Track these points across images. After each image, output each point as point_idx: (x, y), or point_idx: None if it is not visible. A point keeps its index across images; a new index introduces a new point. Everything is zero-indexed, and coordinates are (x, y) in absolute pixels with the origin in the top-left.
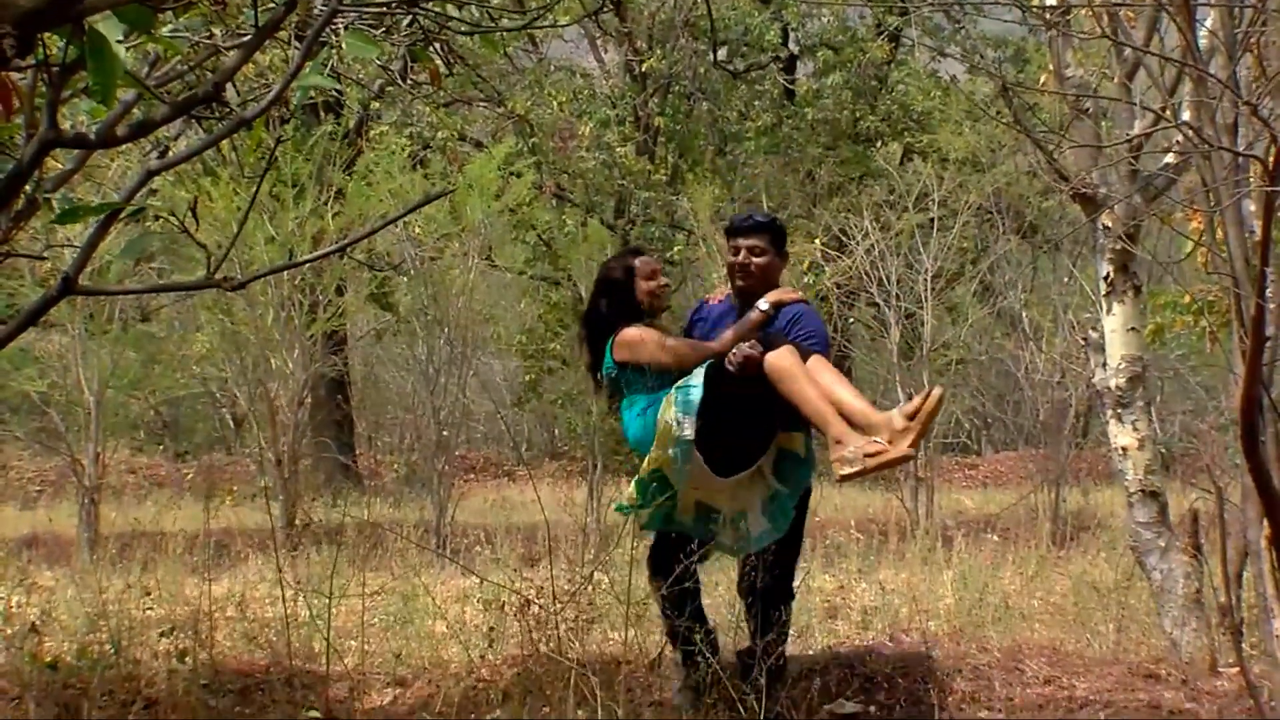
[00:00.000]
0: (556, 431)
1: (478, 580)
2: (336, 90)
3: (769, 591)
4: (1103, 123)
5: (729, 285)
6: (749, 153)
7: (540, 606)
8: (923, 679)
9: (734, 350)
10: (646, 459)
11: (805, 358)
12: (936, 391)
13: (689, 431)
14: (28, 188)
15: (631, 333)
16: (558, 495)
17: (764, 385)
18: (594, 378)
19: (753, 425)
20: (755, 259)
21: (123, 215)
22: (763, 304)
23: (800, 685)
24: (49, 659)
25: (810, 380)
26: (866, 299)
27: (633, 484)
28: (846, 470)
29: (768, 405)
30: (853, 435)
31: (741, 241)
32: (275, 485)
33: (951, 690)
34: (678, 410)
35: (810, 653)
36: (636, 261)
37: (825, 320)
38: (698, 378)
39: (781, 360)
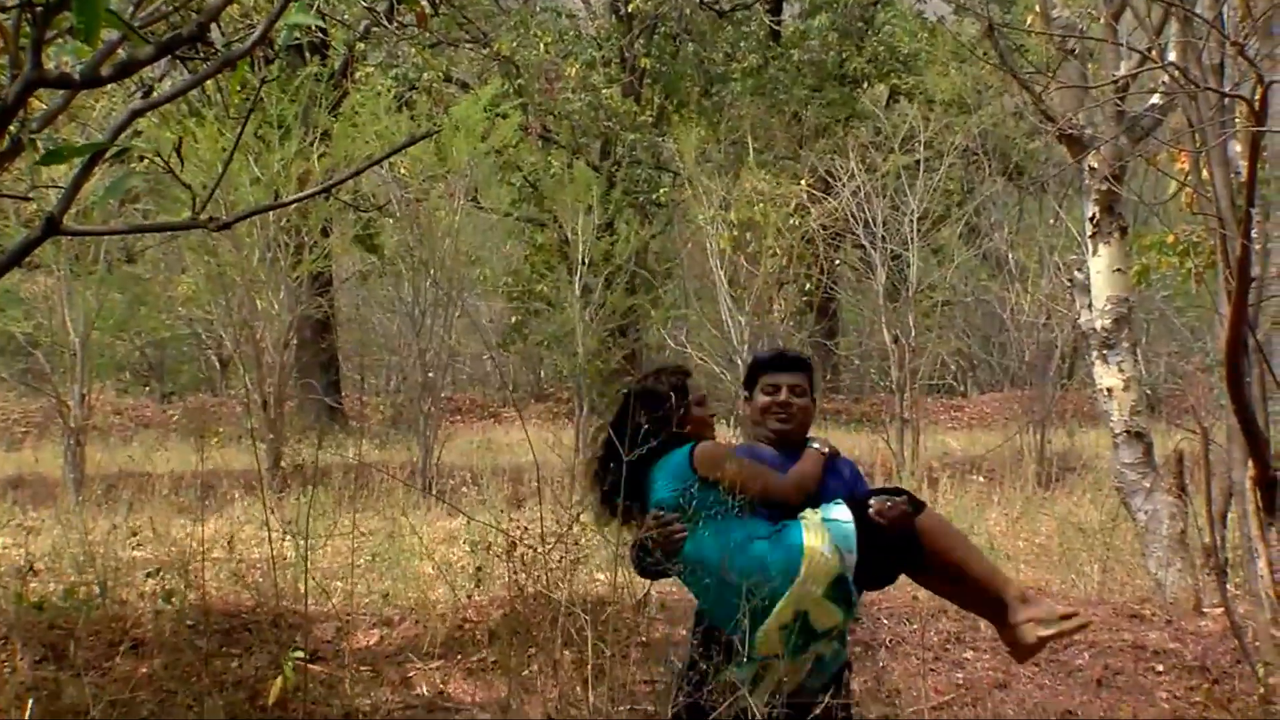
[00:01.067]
0: (542, 373)
1: (464, 521)
2: (322, 31)
3: None
4: (1089, 64)
5: (756, 428)
6: (735, 94)
7: (527, 547)
8: (907, 619)
9: (880, 504)
10: (788, 597)
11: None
12: (1078, 621)
13: (850, 570)
14: (12, 128)
15: (720, 447)
16: (544, 436)
17: (895, 541)
18: (609, 503)
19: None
20: (797, 399)
21: (107, 156)
22: (822, 446)
23: None
24: (35, 599)
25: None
26: (852, 240)
27: (764, 633)
28: (1044, 632)
29: (882, 563)
30: (1039, 596)
31: (783, 379)
32: (261, 427)
33: (938, 630)
34: (838, 544)
35: None
36: (689, 384)
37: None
38: (843, 513)
39: (938, 520)
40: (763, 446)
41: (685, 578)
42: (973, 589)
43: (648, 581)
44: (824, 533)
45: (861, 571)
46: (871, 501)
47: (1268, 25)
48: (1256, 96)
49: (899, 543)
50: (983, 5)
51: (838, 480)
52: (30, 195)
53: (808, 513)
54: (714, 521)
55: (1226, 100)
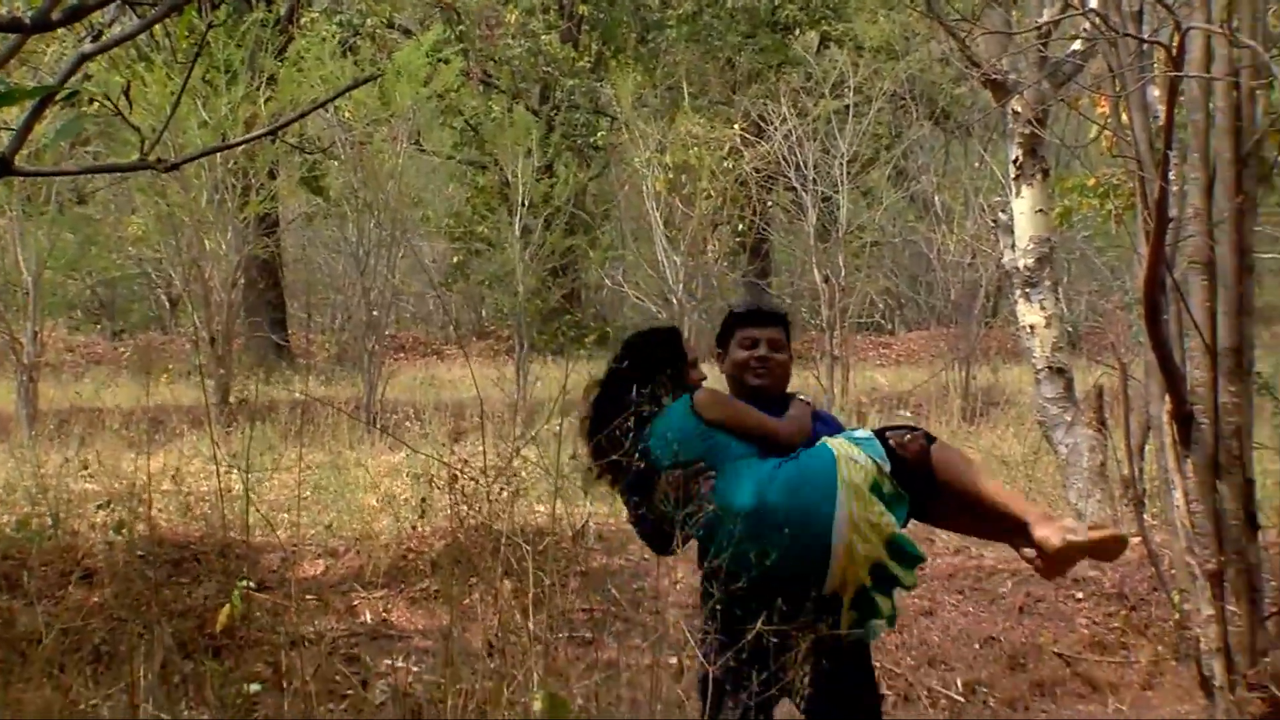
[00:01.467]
0: (484, 312)
1: (407, 454)
2: None
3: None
4: (1013, 11)
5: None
6: (670, 40)
7: (469, 479)
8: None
9: (899, 436)
10: (866, 529)
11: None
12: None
13: (888, 477)
14: None
15: (714, 392)
16: (486, 373)
17: (914, 475)
18: (620, 468)
19: None
20: (775, 355)
21: (58, 99)
22: (806, 398)
23: None
24: None
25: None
26: (784, 183)
27: (902, 560)
28: (1073, 538)
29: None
30: (1066, 521)
31: (758, 333)
32: (209, 363)
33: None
34: (870, 454)
35: None
36: (685, 347)
37: (746, 203)
38: (866, 433)
39: (952, 451)
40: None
41: (713, 530)
42: (991, 514)
43: (586, 512)
44: (852, 446)
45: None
46: (889, 434)
47: None
48: (1174, 43)
49: (917, 478)
50: None
51: (826, 427)
52: None
53: (826, 438)
54: (734, 463)
55: (1145, 46)
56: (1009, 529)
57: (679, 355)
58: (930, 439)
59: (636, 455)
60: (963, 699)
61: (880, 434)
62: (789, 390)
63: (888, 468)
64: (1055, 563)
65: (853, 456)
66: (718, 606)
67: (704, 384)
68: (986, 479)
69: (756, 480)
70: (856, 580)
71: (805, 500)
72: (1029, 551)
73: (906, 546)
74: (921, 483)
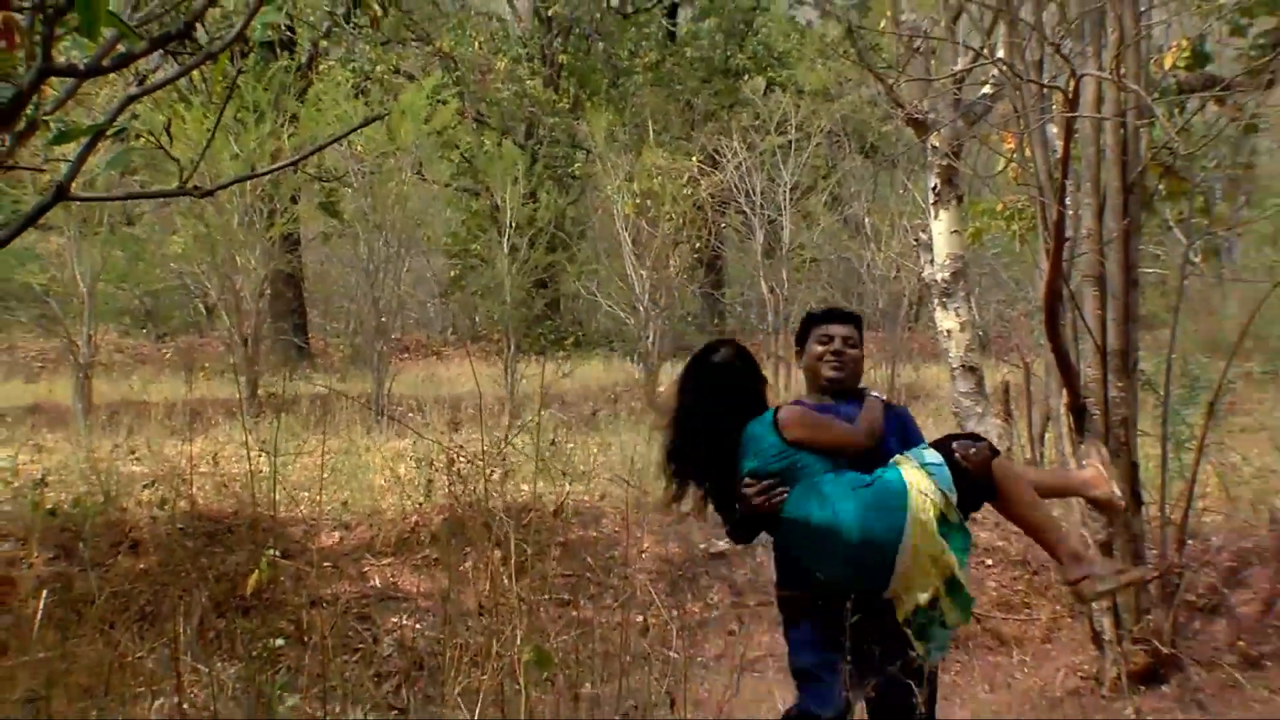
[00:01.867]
0: (477, 318)
1: (412, 441)
2: (290, 30)
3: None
4: (932, 60)
5: (810, 384)
6: (637, 85)
7: (465, 463)
8: (636, 532)
9: (964, 448)
10: (926, 563)
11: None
12: (1139, 574)
13: (954, 508)
14: (28, 111)
15: (798, 410)
16: (480, 370)
17: (980, 486)
18: (700, 484)
19: None
20: (849, 350)
21: (108, 134)
22: (878, 395)
23: None
24: (50, 507)
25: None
26: (735, 208)
27: (955, 599)
28: (1101, 587)
29: (967, 497)
30: (1092, 553)
31: (835, 330)
32: (241, 362)
33: (654, 536)
34: (940, 485)
35: None
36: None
37: (703, 225)
38: (936, 456)
39: (1011, 466)
40: (802, 401)
41: (787, 537)
42: (1033, 537)
43: (565, 489)
44: (924, 475)
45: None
46: (955, 445)
47: (1080, 28)
48: (1070, 87)
49: (978, 485)
50: (844, 11)
51: (896, 424)
52: (44, 167)
53: (901, 458)
54: (811, 480)
55: (1045, 90)
56: (1053, 540)
57: (755, 366)
58: (994, 452)
59: (722, 466)
60: None
61: (946, 441)
62: (861, 385)
63: (954, 498)
64: (1086, 600)
65: (923, 489)
66: (793, 602)
67: (769, 390)
68: (1032, 506)
69: (833, 498)
70: (913, 602)
71: (876, 525)
72: (1134, 575)
73: (960, 587)
74: (982, 490)
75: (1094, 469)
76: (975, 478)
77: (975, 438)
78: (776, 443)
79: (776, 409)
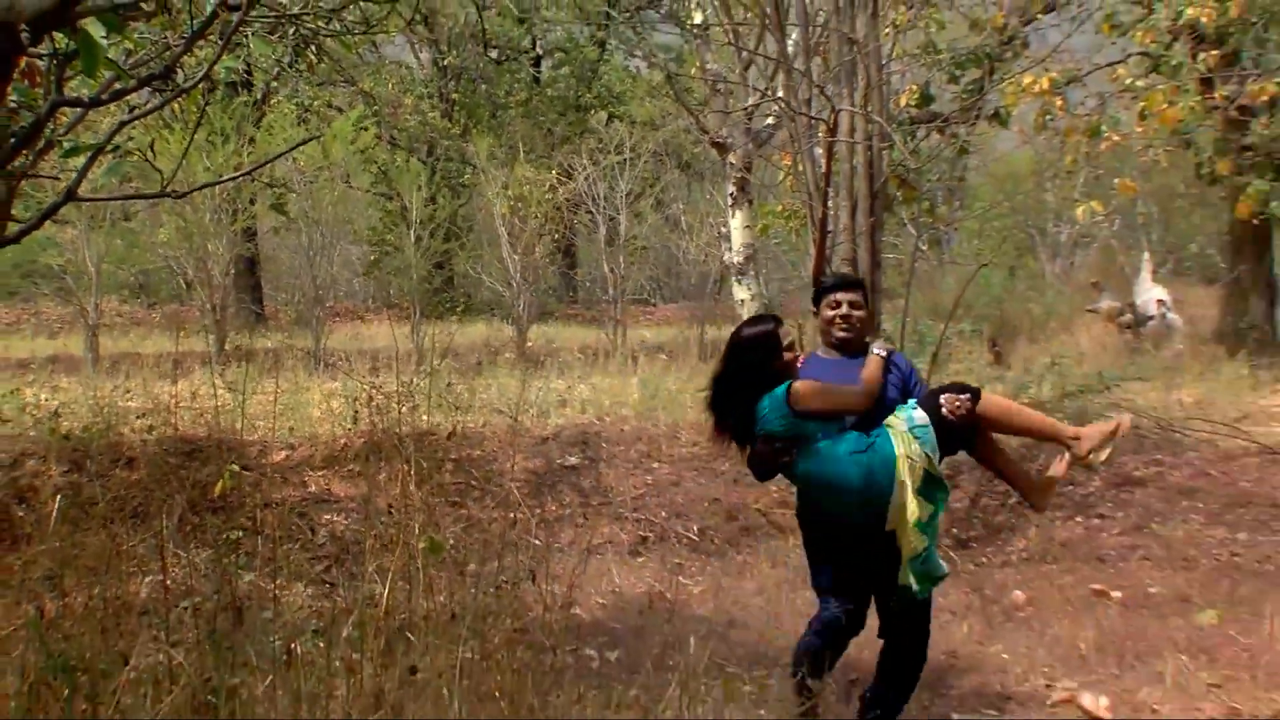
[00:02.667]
0: (390, 291)
1: (341, 383)
2: (247, 72)
3: (919, 646)
4: (729, 98)
5: (822, 340)
6: (511, 117)
7: (382, 398)
8: (614, 442)
9: (950, 401)
10: (905, 506)
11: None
12: (1127, 421)
13: (941, 468)
14: (46, 132)
15: (811, 384)
16: (394, 331)
17: (960, 433)
18: (740, 438)
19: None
20: (856, 312)
21: (107, 151)
22: (879, 350)
23: None
24: (64, 433)
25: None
26: (585, 208)
27: (926, 548)
28: (1104, 454)
29: (948, 445)
30: (1085, 428)
31: (843, 296)
32: (211, 324)
33: (635, 446)
34: (924, 447)
35: (551, 427)
36: (781, 331)
37: (560, 222)
38: (922, 417)
39: (996, 401)
40: (817, 356)
41: (801, 486)
42: (1038, 437)
43: (456, 419)
44: (910, 440)
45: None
46: (943, 399)
47: (838, 75)
48: (831, 119)
49: (959, 433)
50: (664, 61)
51: (897, 373)
52: (58, 175)
53: (893, 420)
54: (813, 447)
55: (812, 121)
56: (1025, 478)
57: (776, 344)
58: (976, 394)
59: (745, 420)
60: (697, 538)
61: (938, 393)
62: (867, 339)
63: (937, 456)
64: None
65: (910, 455)
66: (815, 535)
67: (795, 359)
68: (1025, 416)
69: (835, 459)
70: (909, 546)
71: (872, 482)
72: (1059, 468)
73: (930, 527)
74: (960, 438)
75: (1096, 429)
76: (958, 427)
77: (963, 388)
78: (786, 411)
79: (789, 383)
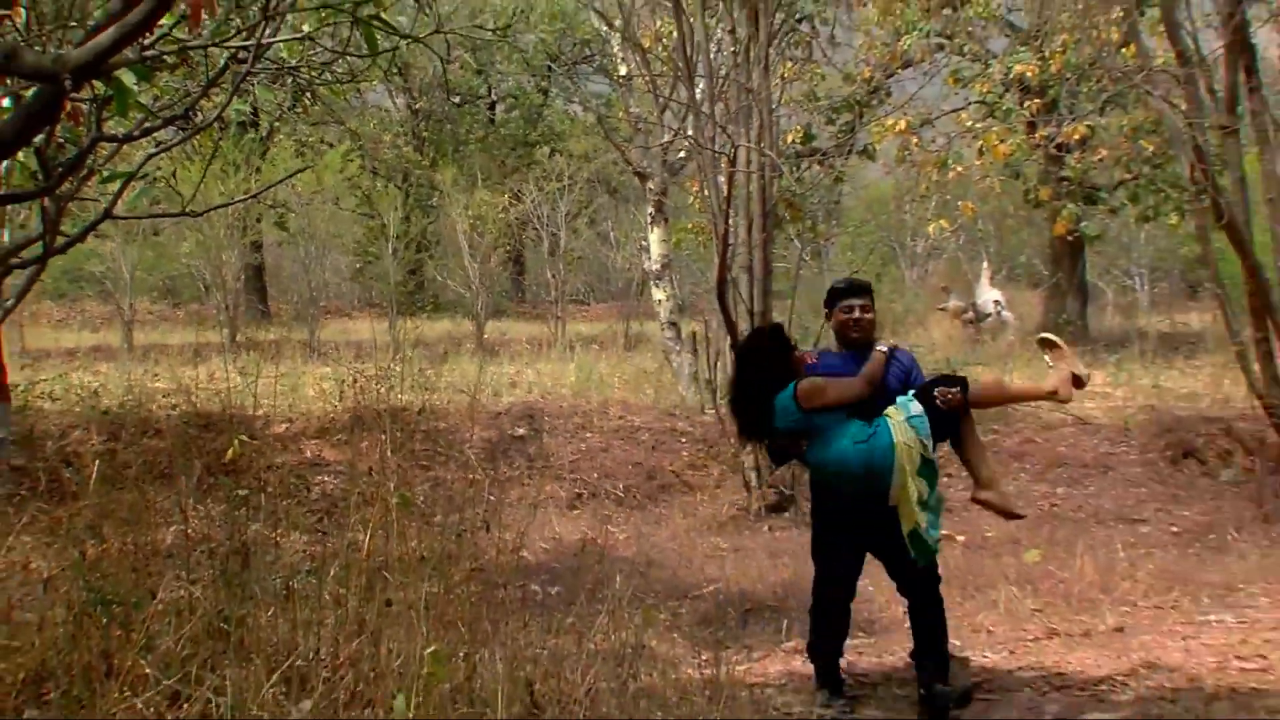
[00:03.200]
0: (372, 292)
1: (331, 368)
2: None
3: (934, 601)
4: (649, 136)
5: (837, 341)
6: (471, 151)
7: (365, 380)
8: (555, 416)
9: (943, 393)
10: (906, 487)
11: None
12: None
13: (934, 453)
14: (88, 162)
15: (811, 383)
16: (374, 325)
17: (951, 420)
18: (760, 433)
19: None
20: (865, 315)
21: (138, 178)
22: (883, 348)
23: None
24: (103, 408)
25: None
26: (532, 226)
27: (926, 513)
28: (1078, 371)
29: (943, 431)
30: (1054, 381)
31: (854, 301)
32: (225, 320)
33: (572, 419)
34: (920, 435)
35: (500, 404)
36: (787, 335)
37: (511, 236)
38: (917, 407)
39: (984, 384)
40: (830, 353)
41: (813, 471)
42: (1028, 400)
43: (425, 397)
44: (908, 429)
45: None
46: (936, 391)
47: (737, 117)
48: (732, 153)
49: (950, 420)
50: (596, 106)
51: (899, 367)
52: (98, 198)
53: (891, 411)
54: (822, 437)
55: (716, 155)
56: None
57: (788, 346)
58: (966, 388)
59: (762, 417)
60: (622, 495)
61: (932, 385)
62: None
63: (930, 443)
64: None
65: (907, 442)
66: (825, 510)
67: (801, 360)
68: (1009, 387)
69: (841, 448)
70: (910, 521)
71: (874, 468)
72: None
73: (930, 506)
74: (951, 424)
75: (1062, 376)
76: (949, 412)
77: (954, 380)
78: (796, 410)
79: (796, 383)
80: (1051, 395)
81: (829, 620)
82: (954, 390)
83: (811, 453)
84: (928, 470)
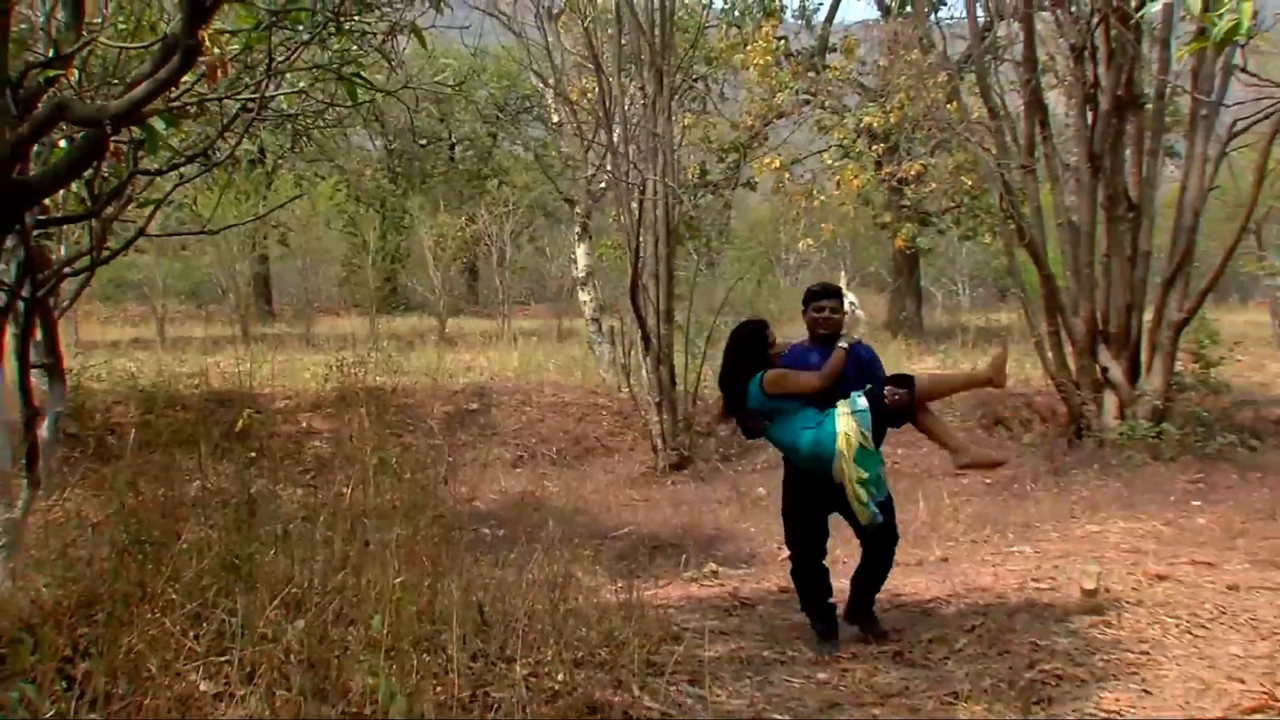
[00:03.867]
0: (355, 295)
1: (323, 355)
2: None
3: (885, 555)
4: (577, 170)
5: (810, 336)
6: (435, 183)
7: (349, 366)
8: (501, 394)
9: (890, 393)
10: (844, 469)
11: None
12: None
13: (872, 444)
14: (127, 191)
15: (776, 374)
16: (357, 322)
17: (901, 412)
18: (735, 411)
19: (881, 436)
20: (834, 315)
21: (166, 203)
22: (844, 344)
23: None
24: (140, 387)
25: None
26: (484, 242)
27: (864, 489)
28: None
29: (891, 422)
30: (988, 369)
31: (826, 303)
32: (238, 318)
33: (515, 396)
34: (861, 427)
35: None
36: (767, 332)
37: (468, 251)
38: (863, 403)
39: (924, 381)
40: (802, 345)
41: (775, 444)
42: (968, 388)
43: (397, 380)
44: (852, 421)
45: (878, 432)
46: (885, 391)
47: (648, 154)
48: (641, 184)
49: (899, 415)
50: (535, 147)
51: (856, 359)
52: (135, 220)
53: (841, 404)
54: (781, 419)
55: (629, 184)
56: (943, 437)
57: (764, 341)
58: (913, 386)
59: (739, 398)
60: (555, 457)
61: (884, 384)
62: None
63: (870, 434)
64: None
65: (848, 431)
66: (789, 480)
67: (778, 353)
68: (951, 379)
69: (797, 432)
70: (852, 492)
71: (819, 450)
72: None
73: (869, 484)
74: (903, 417)
75: (996, 366)
76: (896, 410)
77: (902, 380)
78: (762, 393)
79: (763, 373)
80: (988, 382)
81: (812, 583)
82: (901, 391)
83: (771, 431)
84: (864, 455)
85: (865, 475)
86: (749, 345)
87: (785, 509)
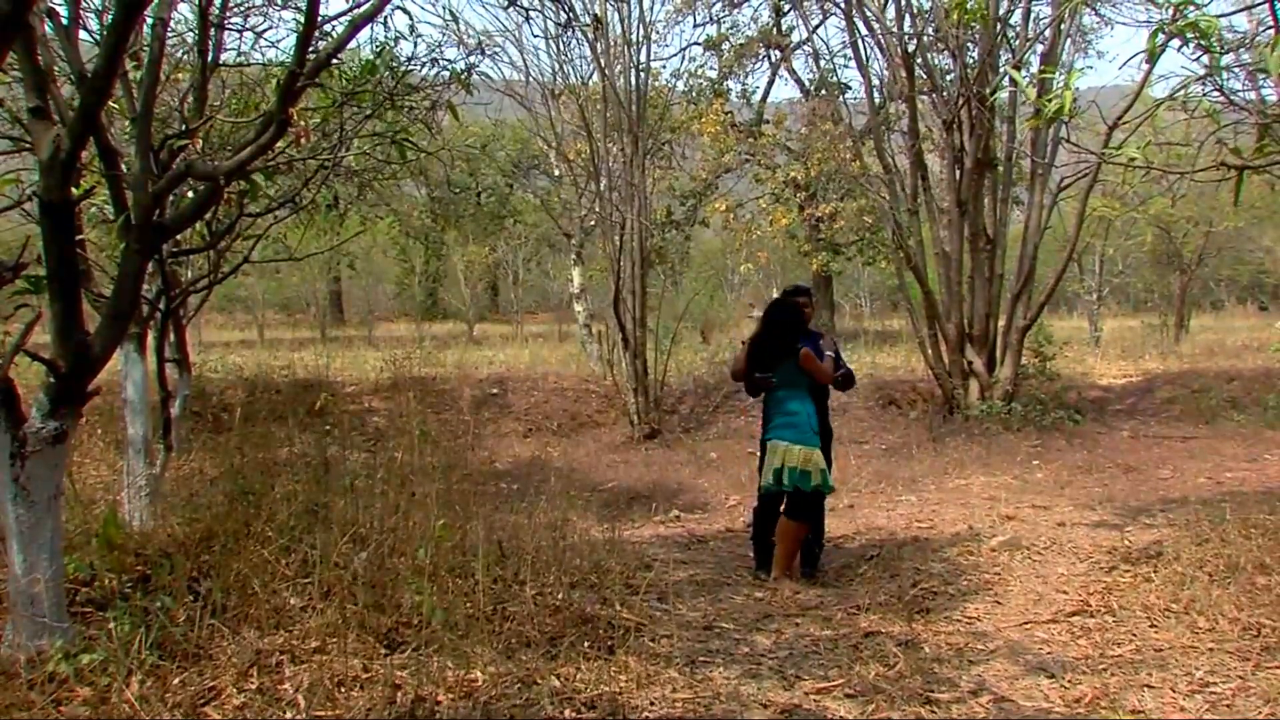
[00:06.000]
0: (406, 307)
1: (379, 352)
2: (334, 199)
3: (818, 510)
4: (573, 210)
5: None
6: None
7: (399, 360)
8: (516, 381)
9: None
10: (810, 450)
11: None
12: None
13: (816, 425)
14: (236, 229)
15: (808, 354)
16: (406, 327)
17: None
18: (762, 366)
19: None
20: (807, 309)
21: (265, 237)
22: (830, 353)
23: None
24: (245, 376)
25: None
26: (503, 266)
27: (821, 471)
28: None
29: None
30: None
31: (803, 299)
32: (317, 324)
33: (526, 383)
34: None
35: None
36: (803, 299)
37: (490, 272)
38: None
39: (812, 362)
40: (824, 338)
41: (775, 403)
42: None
43: (436, 370)
44: (808, 404)
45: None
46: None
47: (624, 195)
48: (623, 221)
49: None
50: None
51: (833, 352)
52: (239, 250)
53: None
54: (777, 393)
55: (612, 221)
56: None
57: (801, 316)
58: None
59: (777, 361)
60: (556, 429)
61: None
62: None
63: (815, 420)
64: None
65: (807, 412)
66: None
67: (811, 312)
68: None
69: (781, 406)
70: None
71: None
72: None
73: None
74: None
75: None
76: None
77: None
78: (796, 367)
79: (803, 349)
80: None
81: (765, 524)
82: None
83: (769, 397)
84: (813, 435)
85: (812, 452)
86: (780, 315)
87: (761, 463)
